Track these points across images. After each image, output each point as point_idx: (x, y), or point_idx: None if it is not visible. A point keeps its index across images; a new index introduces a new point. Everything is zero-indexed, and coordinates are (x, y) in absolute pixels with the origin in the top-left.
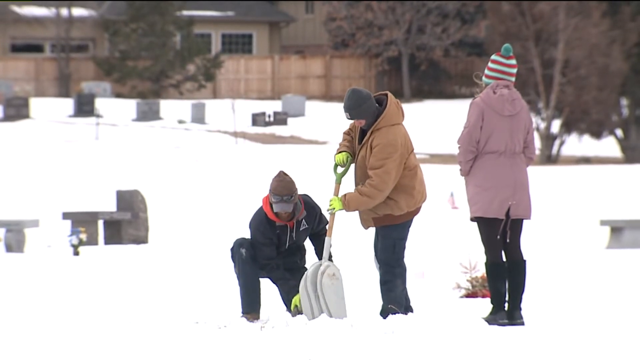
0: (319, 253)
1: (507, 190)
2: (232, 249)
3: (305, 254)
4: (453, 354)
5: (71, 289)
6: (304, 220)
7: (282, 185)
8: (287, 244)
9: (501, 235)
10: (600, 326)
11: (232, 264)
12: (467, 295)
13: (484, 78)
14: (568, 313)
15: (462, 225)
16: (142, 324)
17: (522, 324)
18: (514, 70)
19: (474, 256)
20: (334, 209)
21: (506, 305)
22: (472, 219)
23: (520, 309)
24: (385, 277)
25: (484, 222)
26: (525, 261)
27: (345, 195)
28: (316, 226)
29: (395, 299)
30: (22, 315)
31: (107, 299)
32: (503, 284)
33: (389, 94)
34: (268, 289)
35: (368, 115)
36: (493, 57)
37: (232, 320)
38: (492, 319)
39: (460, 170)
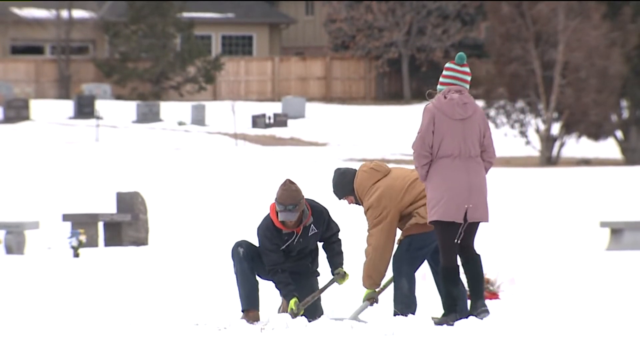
0: (331, 261)
1: (462, 193)
2: (232, 249)
3: (317, 256)
4: (453, 355)
5: (71, 291)
6: (312, 225)
7: (287, 195)
8: (297, 249)
9: (457, 238)
10: (601, 327)
11: (232, 264)
12: (468, 297)
13: (438, 86)
14: (568, 314)
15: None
16: (142, 326)
17: (487, 312)
18: (468, 78)
19: None
20: (367, 298)
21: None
22: (430, 223)
23: (483, 297)
24: (393, 272)
25: (442, 225)
26: (479, 255)
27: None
28: (325, 232)
29: (400, 298)
30: (22, 316)
31: (107, 300)
32: (456, 288)
33: (361, 165)
34: (268, 291)
35: (349, 192)
36: (447, 64)
37: (232, 322)
38: (443, 321)
39: (420, 176)
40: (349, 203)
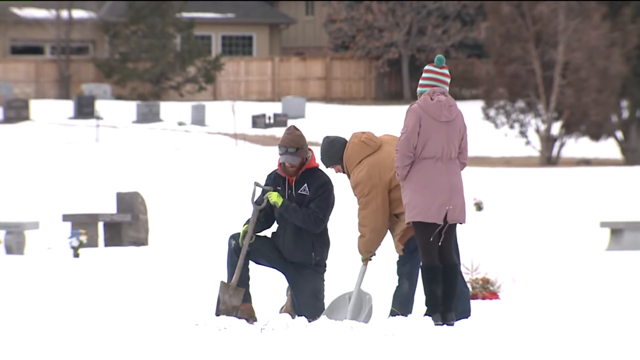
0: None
1: (444, 195)
2: (227, 241)
3: (321, 247)
4: (453, 355)
5: (71, 291)
6: (305, 184)
7: (290, 138)
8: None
9: (435, 239)
10: (601, 327)
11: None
12: (472, 297)
13: (418, 88)
14: (568, 314)
15: (463, 227)
16: (142, 326)
17: (453, 324)
18: (448, 80)
19: (475, 258)
20: (364, 259)
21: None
22: (409, 224)
23: (452, 310)
24: (397, 272)
25: (421, 226)
26: (458, 265)
27: None
28: (311, 198)
29: (398, 298)
30: (22, 316)
31: (107, 301)
32: (439, 287)
33: (353, 135)
34: (267, 292)
35: (337, 161)
36: (426, 67)
37: (232, 322)
38: None
39: (398, 175)
40: (337, 172)
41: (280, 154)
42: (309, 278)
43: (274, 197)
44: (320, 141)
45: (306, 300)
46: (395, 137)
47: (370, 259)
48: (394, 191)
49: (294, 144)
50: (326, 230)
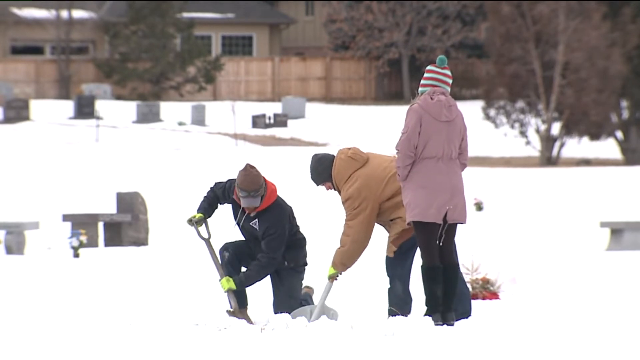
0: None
1: (444, 195)
2: (219, 252)
3: (290, 252)
4: (453, 355)
5: (71, 291)
6: (257, 220)
7: (250, 180)
8: (247, 232)
9: (438, 239)
10: (601, 327)
11: None
12: (473, 297)
13: (420, 88)
14: (568, 314)
15: (463, 227)
16: (142, 326)
17: (453, 324)
18: (449, 80)
19: (476, 258)
20: (331, 276)
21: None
22: (409, 224)
23: (452, 310)
24: (387, 273)
25: (422, 226)
26: (458, 265)
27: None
28: (261, 237)
29: (394, 300)
30: (22, 317)
31: (107, 301)
32: (439, 287)
33: (339, 151)
34: (266, 292)
35: (326, 178)
36: (428, 67)
37: (232, 322)
38: None
39: (398, 175)
40: (327, 189)
41: (242, 197)
42: (286, 278)
43: (225, 285)
44: (320, 142)
45: (280, 299)
46: (384, 157)
47: (336, 278)
48: (387, 202)
49: (254, 186)
50: (295, 235)
